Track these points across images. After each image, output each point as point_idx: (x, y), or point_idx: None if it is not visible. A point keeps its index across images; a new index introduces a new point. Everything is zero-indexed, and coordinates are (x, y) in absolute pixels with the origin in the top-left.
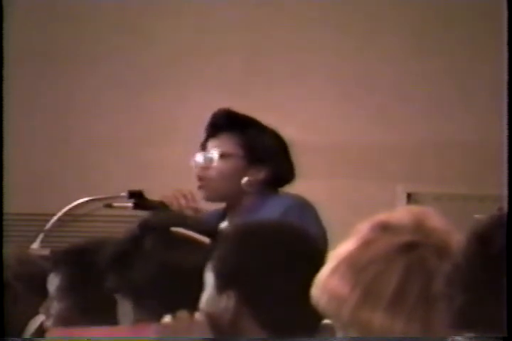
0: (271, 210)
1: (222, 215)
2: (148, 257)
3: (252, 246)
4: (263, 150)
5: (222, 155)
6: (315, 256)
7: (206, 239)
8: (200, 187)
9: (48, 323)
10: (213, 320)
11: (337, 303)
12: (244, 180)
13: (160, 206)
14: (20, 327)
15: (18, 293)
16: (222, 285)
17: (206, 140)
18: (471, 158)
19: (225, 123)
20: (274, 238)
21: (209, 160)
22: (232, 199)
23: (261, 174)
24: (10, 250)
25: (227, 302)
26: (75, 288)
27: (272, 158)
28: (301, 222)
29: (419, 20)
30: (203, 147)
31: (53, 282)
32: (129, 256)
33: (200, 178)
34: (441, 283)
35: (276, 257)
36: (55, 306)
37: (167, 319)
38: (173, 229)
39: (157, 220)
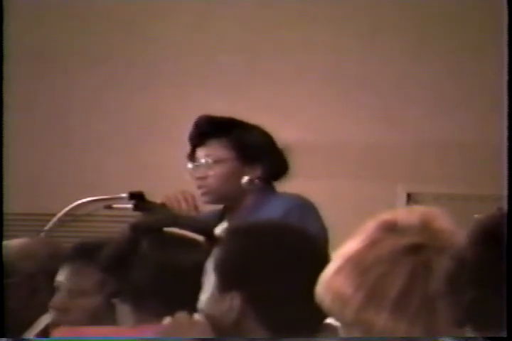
0: (272, 210)
1: (220, 216)
2: (145, 259)
3: (255, 246)
4: (253, 148)
5: (216, 162)
6: (318, 255)
7: (200, 237)
8: (203, 194)
9: (71, 319)
10: (214, 321)
11: (341, 303)
12: (245, 179)
13: (160, 208)
14: (32, 322)
15: (38, 286)
16: (225, 286)
17: (193, 150)
18: (471, 158)
19: (210, 129)
20: (277, 238)
21: (205, 170)
22: (234, 201)
23: (258, 171)
24: (39, 242)
25: (232, 302)
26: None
27: (264, 154)
28: (302, 222)
29: (420, 21)
30: (191, 157)
31: (78, 275)
32: (125, 260)
33: (201, 187)
34: (444, 279)
35: (280, 257)
36: (83, 301)
37: (167, 321)
38: (166, 229)
39: (148, 222)
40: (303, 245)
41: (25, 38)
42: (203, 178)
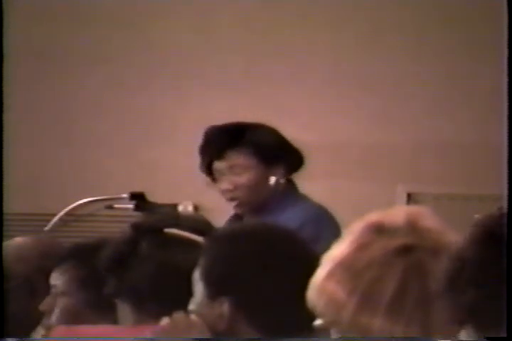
0: (290, 219)
1: (235, 218)
2: (146, 259)
3: (240, 252)
4: (272, 148)
5: (242, 172)
6: (303, 258)
7: (200, 238)
8: (237, 206)
9: (53, 319)
10: (207, 324)
11: (335, 308)
12: (272, 180)
13: (161, 208)
14: (35, 323)
15: (38, 287)
16: (214, 293)
17: (210, 163)
18: (471, 158)
19: (227, 141)
20: (261, 242)
21: (232, 181)
22: (263, 204)
23: (281, 170)
24: (31, 242)
25: (221, 308)
26: (91, 282)
27: (282, 151)
28: (318, 233)
29: (420, 21)
30: (208, 170)
31: (64, 276)
32: (125, 260)
33: (232, 199)
34: (444, 279)
35: (266, 261)
36: (63, 301)
37: (165, 321)
38: (167, 230)
39: (150, 222)
40: (289, 247)
41: (25, 38)
42: (232, 190)
